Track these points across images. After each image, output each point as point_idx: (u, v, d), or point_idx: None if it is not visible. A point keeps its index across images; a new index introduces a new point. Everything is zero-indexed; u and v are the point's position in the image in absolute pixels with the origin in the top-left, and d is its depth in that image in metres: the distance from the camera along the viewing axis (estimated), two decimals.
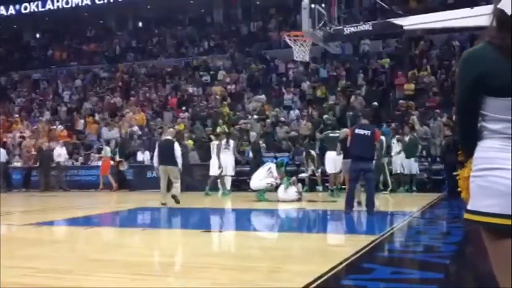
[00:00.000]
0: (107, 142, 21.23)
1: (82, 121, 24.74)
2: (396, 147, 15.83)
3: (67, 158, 20.39)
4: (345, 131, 12.89)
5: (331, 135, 15.05)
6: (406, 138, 16.12)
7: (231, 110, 22.74)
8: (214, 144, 16.33)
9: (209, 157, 18.92)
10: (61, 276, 4.84)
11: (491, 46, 2.09)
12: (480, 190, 2.10)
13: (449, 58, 22.40)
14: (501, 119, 2.07)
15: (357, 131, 10.12)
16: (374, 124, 12.19)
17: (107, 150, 19.66)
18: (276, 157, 17.74)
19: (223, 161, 16.25)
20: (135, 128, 22.20)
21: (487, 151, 2.11)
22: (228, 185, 16.50)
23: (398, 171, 15.86)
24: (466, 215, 2.16)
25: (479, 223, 2.10)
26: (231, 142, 16.41)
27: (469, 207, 2.15)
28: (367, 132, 9.99)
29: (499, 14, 2.09)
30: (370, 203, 9.97)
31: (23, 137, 23.14)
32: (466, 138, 2.24)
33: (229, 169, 16.35)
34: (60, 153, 19.82)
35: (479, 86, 2.09)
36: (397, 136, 16.08)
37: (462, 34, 23.18)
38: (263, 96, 23.29)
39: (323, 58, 24.97)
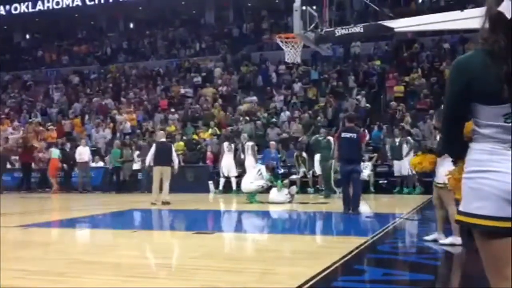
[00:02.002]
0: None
1: (69, 122, 24.57)
2: (404, 149, 15.82)
3: (92, 158, 19.87)
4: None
5: (319, 138, 15.49)
6: (397, 140, 16.20)
7: (223, 111, 22.72)
8: (248, 145, 16.33)
9: (201, 159, 19.02)
10: (52, 279, 4.82)
11: (482, 53, 2.09)
12: (471, 191, 2.12)
13: (439, 61, 22.53)
14: (492, 125, 2.08)
15: (343, 134, 10.44)
16: (359, 126, 12.45)
17: (54, 152, 19.55)
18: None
19: (227, 163, 16.57)
20: (127, 125, 22.25)
21: (479, 153, 2.12)
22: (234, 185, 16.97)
23: (407, 173, 15.77)
24: (458, 217, 2.18)
25: (470, 225, 2.13)
26: (249, 144, 16.47)
27: (460, 208, 2.17)
28: (353, 135, 10.31)
29: (495, 16, 2.07)
30: (355, 203, 10.27)
31: (7, 138, 23.01)
32: (451, 143, 2.27)
33: (233, 171, 16.93)
34: (81, 152, 19.22)
35: (468, 93, 2.10)
36: (407, 137, 16.07)
37: (453, 36, 23.35)
38: (254, 98, 23.31)
39: (314, 60, 25.05)
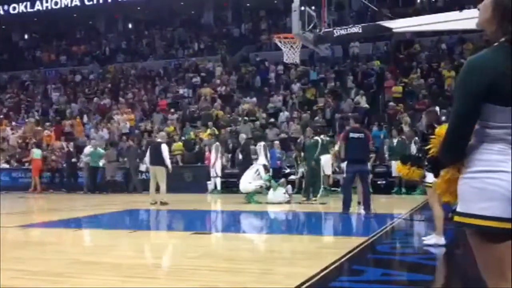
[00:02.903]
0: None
1: (69, 122, 24.52)
2: (413, 149, 15.83)
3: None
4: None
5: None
6: (395, 141, 16.20)
7: (221, 111, 22.71)
8: (261, 145, 16.22)
9: (200, 159, 18.98)
10: (51, 279, 4.82)
11: (500, 52, 2.03)
12: (476, 192, 2.06)
13: (438, 61, 22.54)
14: (504, 126, 2.04)
15: (351, 135, 10.45)
16: (364, 127, 12.51)
17: (36, 152, 19.59)
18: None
19: (217, 164, 16.71)
20: (127, 125, 22.30)
21: (485, 153, 2.08)
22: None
23: None
24: (457, 218, 2.12)
25: (472, 226, 2.06)
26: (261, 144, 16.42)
27: (460, 209, 2.11)
28: (361, 135, 10.38)
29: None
30: (366, 203, 10.27)
31: (3, 138, 23.03)
32: (458, 146, 2.14)
33: (219, 172, 17.18)
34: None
35: (487, 94, 2.02)
36: (415, 138, 16.07)
37: (451, 37, 23.37)
38: (254, 99, 23.31)
39: (312, 60, 25.05)
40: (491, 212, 2.01)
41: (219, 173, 17.23)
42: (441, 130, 2.30)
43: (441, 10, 19.56)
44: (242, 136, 17.90)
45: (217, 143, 17.59)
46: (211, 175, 17.34)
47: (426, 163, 6.08)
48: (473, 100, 2.06)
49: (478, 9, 2.24)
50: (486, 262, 2.09)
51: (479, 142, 2.11)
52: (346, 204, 10.37)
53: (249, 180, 13.61)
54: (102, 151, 18.78)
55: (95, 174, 18.77)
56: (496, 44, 2.08)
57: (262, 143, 16.04)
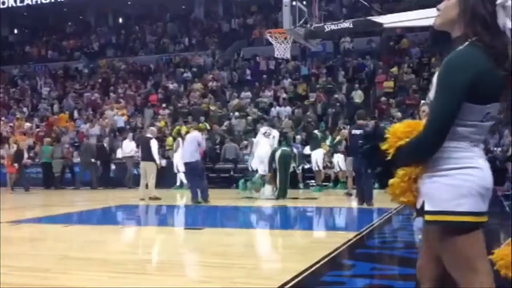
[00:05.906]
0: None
1: (59, 118, 24.35)
2: None
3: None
4: (343, 132, 14.26)
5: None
6: None
7: (213, 106, 22.66)
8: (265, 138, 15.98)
9: None
10: (39, 275, 4.78)
11: (481, 51, 2.02)
12: (450, 189, 2.07)
13: (428, 56, 22.62)
14: (470, 124, 2.06)
15: (353, 131, 10.99)
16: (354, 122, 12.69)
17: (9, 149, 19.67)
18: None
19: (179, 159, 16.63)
20: (120, 118, 22.19)
21: (455, 151, 2.08)
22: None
23: None
24: (430, 217, 2.10)
25: (448, 223, 2.06)
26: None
27: (431, 208, 2.09)
28: (362, 132, 10.77)
29: (490, 20, 2.03)
30: (368, 197, 10.62)
31: None
32: (439, 145, 2.09)
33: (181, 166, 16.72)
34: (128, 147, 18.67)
35: (469, 92, 2.02)
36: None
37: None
38: (245, 94, 23.26)
39: (303, 55, 25.05)
40: (467, 207, 2.04)
41: (181, 169, 16.99)
42: (394, 129, 2.25)
43: (432, 5, 19.58)
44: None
45: (179, 139, 17.32)
46: (175, 170, 17.20)
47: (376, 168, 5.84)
48: (457, 100, 2.04)
49: (438, 10, 2.22)
50: (454, 256, 2.10)
51: (448, 140, 2.08)
52: (360, 197, 10.73)
53: (262, 160, 13.12)
54: (48, 147, 19.06)
55: (48, 169, 18.95)
56: (468, 43, 2.07)
57: (253, 139, 15.95)
